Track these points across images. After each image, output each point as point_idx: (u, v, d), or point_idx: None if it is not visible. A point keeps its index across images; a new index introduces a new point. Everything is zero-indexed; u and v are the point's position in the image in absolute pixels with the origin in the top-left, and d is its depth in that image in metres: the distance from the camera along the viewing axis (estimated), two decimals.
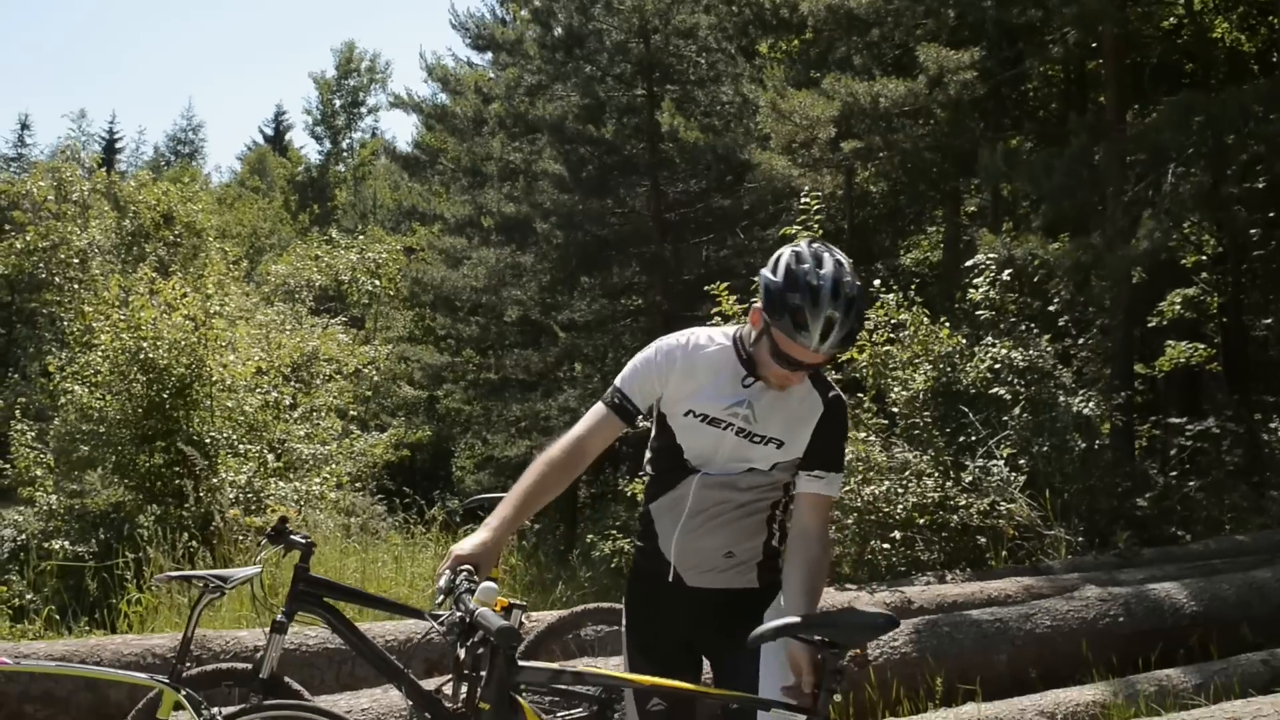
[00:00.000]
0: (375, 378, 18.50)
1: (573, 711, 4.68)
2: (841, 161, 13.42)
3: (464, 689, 2.61)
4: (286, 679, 4.31)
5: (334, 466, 12.61)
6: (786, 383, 2.70)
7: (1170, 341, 14.02)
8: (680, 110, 17.76)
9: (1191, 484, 10.48)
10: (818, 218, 8.69)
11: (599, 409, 2.84)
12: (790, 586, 2.72)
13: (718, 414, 2.76)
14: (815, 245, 2.68)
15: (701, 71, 18.31)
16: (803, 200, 8.77)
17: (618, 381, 2.85)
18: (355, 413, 15.71)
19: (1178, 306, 14.16)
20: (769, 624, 2.50)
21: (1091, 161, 9.68)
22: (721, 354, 2.80)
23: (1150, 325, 14.46)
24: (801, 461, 2.77)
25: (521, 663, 2.45)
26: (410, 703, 3.90)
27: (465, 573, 2.54)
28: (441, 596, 2.53)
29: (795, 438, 2.76)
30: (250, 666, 4.15)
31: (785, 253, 2.67)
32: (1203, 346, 14.03)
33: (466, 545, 2.63)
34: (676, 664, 2.78)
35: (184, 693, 3.71)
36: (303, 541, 4.41)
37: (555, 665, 2.63)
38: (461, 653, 2.45)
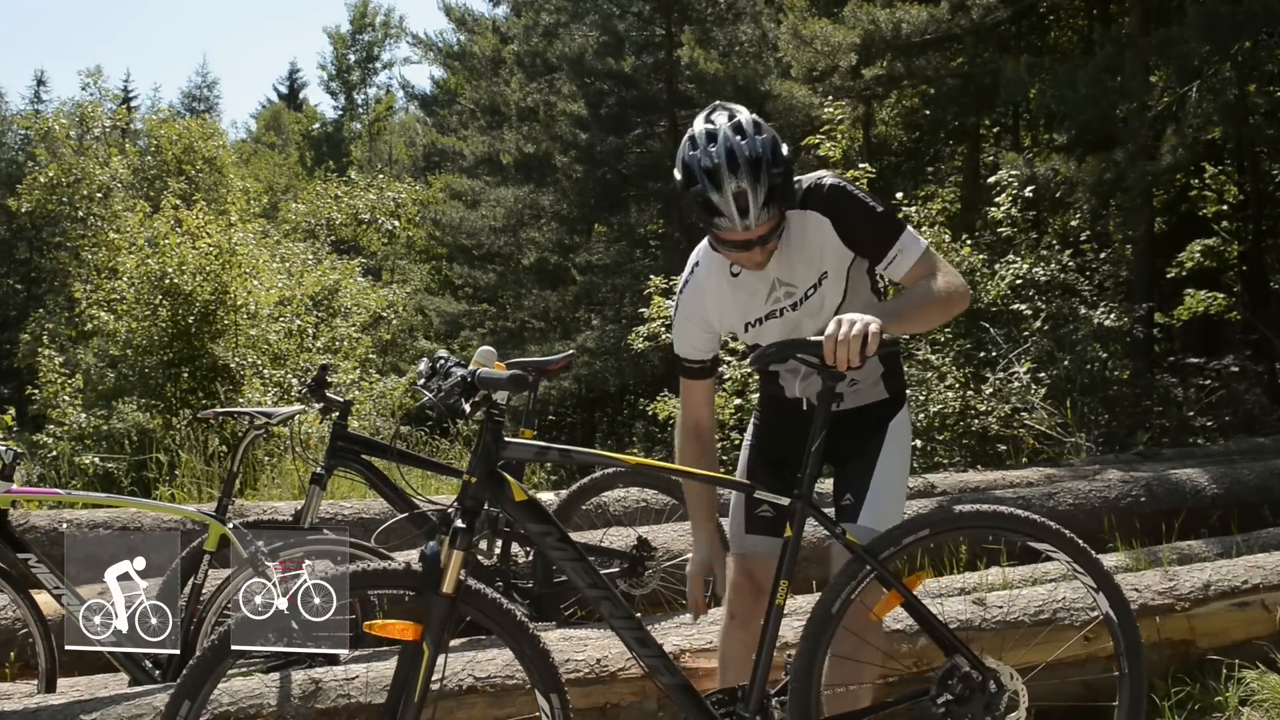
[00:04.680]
0: (395, 321, 18.57)
1: (604, 570, 4.79)
2: (863, 90, 13.34)
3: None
4: (326, 530, 4.44)
5: (356, 394, 12.72)
6: (753, 261, 2.60)
7: (1189, 290, 13.86)
8: (700, 45, 17.64)
9: (1210, 401, 10.49)
10: (841, 127, 8.68)
11: (682, 383, 2.90)
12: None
13: (765, 310, 2.75)
14: (709, 119, 2.54)
15: (720, 10, 18.20)
16: (826, 111, 8.75)
17: (675, 350, 2.87)
18: (374, 357, 15.80)
19: (1198, 256, 13.99)
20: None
21: (1116, 73, 9.63)
22: (716, 263, 2.76)
23: (1170, 276, 14.27)
24: (869, 260, 2.69)
25: (508, 439, 2.45)
26: None
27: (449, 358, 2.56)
28: (423, 379, 2.52)
29: (831, 256, 2.67)
30: (291, 518, 4.29)
31: (682, 145, 2.55)
32: (1222, 296, 13.89)
33: (696, 560, 2.90)
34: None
35: (230, 526, 3.81)
36: (341, 400, 4.53)
37: (541, 442, 2.60)
38: (467, 407, 2.38)
